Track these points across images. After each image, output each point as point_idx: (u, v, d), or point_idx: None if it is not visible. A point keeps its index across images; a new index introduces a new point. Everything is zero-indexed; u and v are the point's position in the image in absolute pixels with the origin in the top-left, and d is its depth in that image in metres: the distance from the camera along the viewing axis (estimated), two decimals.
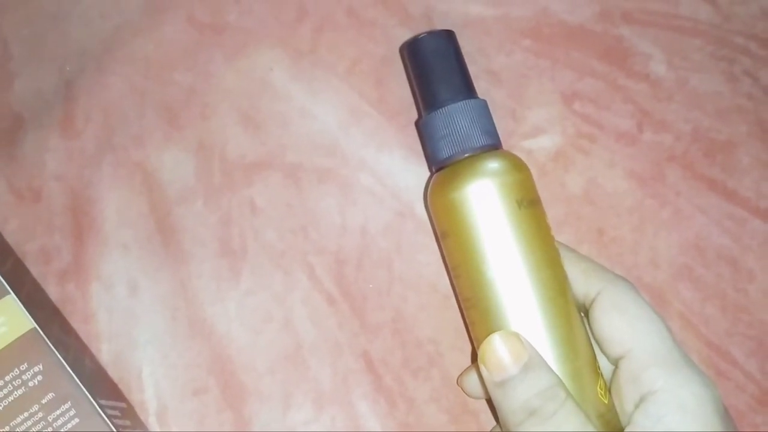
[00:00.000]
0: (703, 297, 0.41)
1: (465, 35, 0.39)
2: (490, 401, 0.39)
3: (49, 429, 0.32)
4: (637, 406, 0.33)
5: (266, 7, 0.44)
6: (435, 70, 0.38)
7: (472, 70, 0.39)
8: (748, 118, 0.43)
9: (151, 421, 0.39)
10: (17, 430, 0.32)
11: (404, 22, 0.43)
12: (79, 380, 0.33)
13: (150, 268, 0.41)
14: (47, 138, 0.42)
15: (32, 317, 0.33)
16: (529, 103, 0.43)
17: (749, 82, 0.43)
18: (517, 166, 0.36)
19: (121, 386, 0.39)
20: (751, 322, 0.40)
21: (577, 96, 0.43)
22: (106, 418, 0.33)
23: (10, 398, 0.32)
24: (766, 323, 0.40)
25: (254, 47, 0.43)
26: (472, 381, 0.38)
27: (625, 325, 0.34)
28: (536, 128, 0.42)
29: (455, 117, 0.36)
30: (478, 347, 0.34)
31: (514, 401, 0.32)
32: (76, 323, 0.40)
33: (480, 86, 0.39)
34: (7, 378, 0.33)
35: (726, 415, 0.32)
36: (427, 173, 0.42)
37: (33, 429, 0.32)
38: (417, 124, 0.42)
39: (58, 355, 0.33)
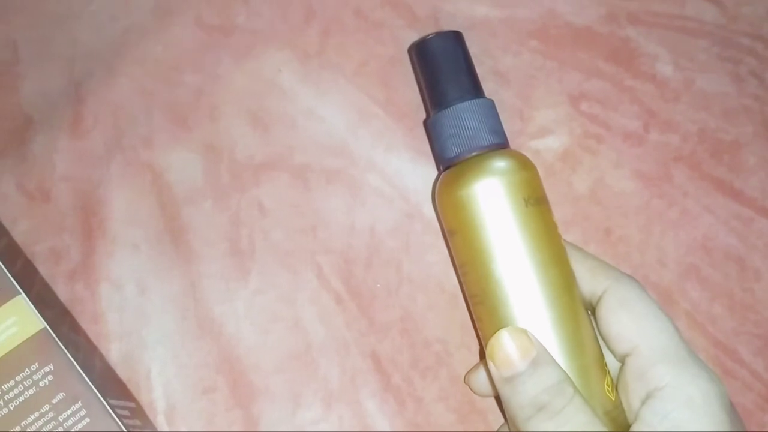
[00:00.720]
0: (710, 296, 0.41)
1: (471, 36, 0.39)
2: (498, 399, 0.39)
3: (60, 429, 0.32)
4: (643, 403, 0.33)
5: (274, 9, 0.44)
6: (443, 70, 0.38)
7: (480, 71, 0.39)
8: (754, 119, 0.43)
9: (160, 421, 0.39)
10: (28, 430, 0.32)
11: (411, 23, 0.44)
12: (90, 380, 0.33)
13: (159, 268, 0.41)
14: (56, 139, 0.42)
15: (42, 317, 0.33)
16: (536, 104, 0.43)
17: (755, 83, 0.43)
18: (524, 164, 0.36)
19: (130, 386, 0.39)
20: (758, 321, 0.40)
21: (584, 97, 0.43)
22: (116, 418, 0.33)
23: (21, 398, 0.32)
24: None
25: (262, 49, 0.43)
26: (479, 378, 0.38)
27: (632, 322, 0.34)
28: (543, 129, 0.43)
29: (463, 116, 0.36)
30: (486, 344, 0.34)
31: (522, 397, 0.32)
32: (85, 323, 0.40)
33: (487, 87, 0.39)
34: (18, 378, 0.33)
35: (733, 411, 0.33)
36: (435, 174, 0.42)
37: (44, 429, 0.32)
38: (425, 123, 0.42)
39: (69, 355, 0.33)
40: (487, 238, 0.34)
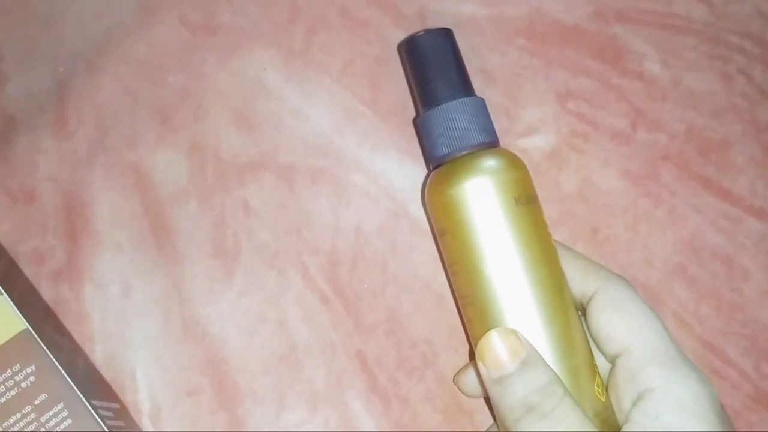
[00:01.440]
0: (697, 296, 0.41)
1: (459, 35, 0.39)
2: (486, 400, 0.39)
3: (42, 430, 0.32)
4: (634, 404, 0.33)
5: (259, 8, 0.44)
6: (433, 68, 0.38)
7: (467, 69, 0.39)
8: (742, 117, 0.43)
9: (145, 422, 0.39)
10: (10, 431, 0.32)
11: (398, 22, 0.43)
12: (72, 381, 0.33)
13: (143, 268, 0.41)
14: (40, 139, 0.42)
15: (25, 318, 0.33)
16: (523, 103, 0.43)
17: (744, 81, 0.43)
18: (515, 163, 0.36)
19: (114, 387, 0.39)
20: (745, 320, 0.40)
21: (571, 95, 0.43)
22: (99, 419, 0.33)
23: (3, 399, 0.32)
24: (761, 322, 0.40)
25: (247, 48, 0.43)
26: (468, 379, 0.38)
27: (623, 323, 0.34)
28: (530, 127, 0.42)
29: (453, 114, 0.36)
30: (476, 344, 0.34)
31: (511, 398, 0.32)
32: (69, 324, 0.40)
33: (474, 86, 0.38)
34: (0, 379, 0.32)
35: (723, 413, 0.32)
36: (422, 173, 0.42)
37: (26, 430, 0.32)
38: (414, 121, 0.42)
39: (51, 356, 0.33)
40: (477, 237, 0.34)
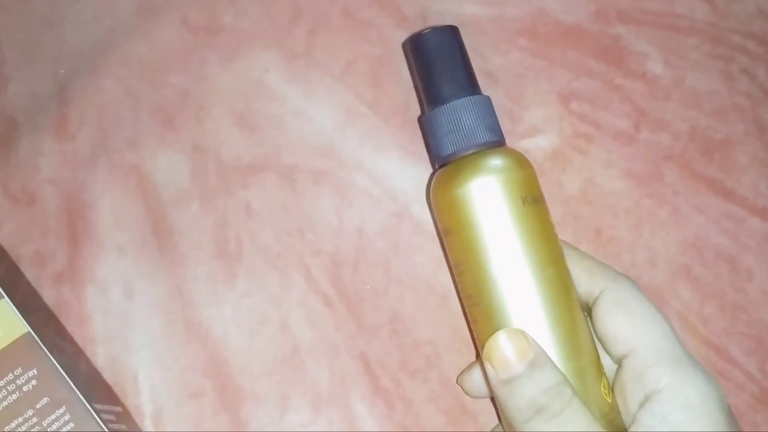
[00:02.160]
0: (701, 296, 0.41)
1: None
2: (491, 401, 0.39)
3: None
4: (641, 405, 0.33)
5: (260, 9, 0.43)
6: (439, 66, 0.37)
7: None
8: (745, 117, 0.43)
9: (147, 425, 0.39)
10: None
11: (399, 22, 0.43)
12: (74, 384, 0.33)
13: (145, 271, 0.41)
14: (41, 141, 0.42)
15: (26, 321, 0.33)
16: (525, 103, 0.43)
17: (746, 81, 0.43)
18: (521, 163, 0.36)
19: (116, 390, 0.39)
20: (749, 321, 0.40)
21: (573, 96, 0.43)
22: (101, 423, 0.33)
23: (5, 403, 0.32)
24: (765, 322, 0.40)
25: (249, 49, 0.43)
26: (473, 379, 0.38)
27: (629, 324, 0.34)
28: (533, 128, 0.42)
29: (459, 113, 0.36)
30: (481, 345, 0.34)
31: (520, 399, 0.32)
32: (71, 327, 0.40)
33: None
34: (1, 383, 0.32)
35: (730, 413, 0.32)
36: (425, 174, 0.42)
37: None
38: (420, 120, 0.42)
39: (53, 360, 0.33)
40: (483, 237, 0.34)
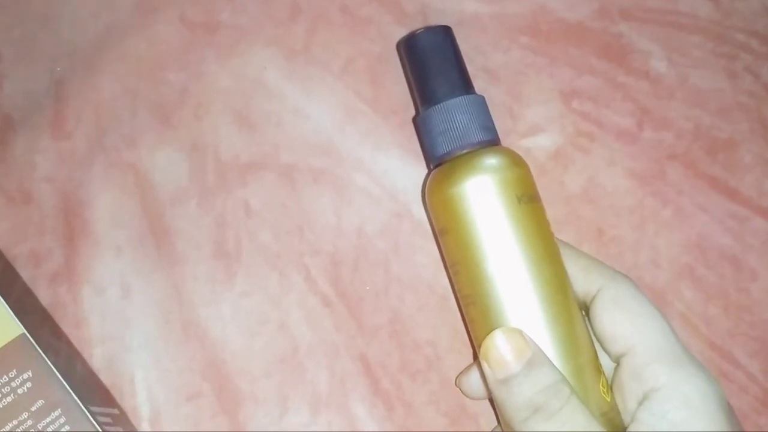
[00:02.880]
0: (705, 297, 0.40)
1: (461, 33, 0.39)
2: (491, 401, 0.38)
3: None
4: (640, 404, 0.32)
5: (259, 6, 0.43)
6: (432, 66, 0.37)
7: (469, 68, 0.38)
8: (749, 116, 0.42)
9: (144, 427, 0.39)
10: None
11: (399, 19, 0.43)
12: (70, 387, 0.33)
13: (143, 270, 0.40)
14: (38, 139, 0.42)
15: (21, 322, 0.33)
16: (527, 102, 0.42)
17: (750, 79, 0.43)
18: (516, 161, 0.35)
19: (113, 392, 0.39)
20: (753, 322, 0.40)
21: (576, 94, 0.42)
22: (97, 426, 0.32)
23: None
24: None
25: (247, 46, 0.43)
26: (471, 380, 0.37)
27: (627, 322, 0.34)
28: (535, 127, 0.42)
29: (453, 113, 0.36)
30: (478, 345, 0.33)
31: (518, 398, 0.31)
32: (67, 327, 0.39)
33: (477, 84, 0.38)
34: None
35: (730, 410, 0.32)
36: (424, 173, 0.41)
37: None
38: (414, 120, 0.41)
39: (48, 362, 0.33)
40: (479, 236, 0.34)
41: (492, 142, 0.36)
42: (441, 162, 0.36)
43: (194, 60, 0.43)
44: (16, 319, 0.33)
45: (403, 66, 0.42)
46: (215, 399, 0.39)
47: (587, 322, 0.35)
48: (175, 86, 0.42)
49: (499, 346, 0.32)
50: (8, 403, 0.32)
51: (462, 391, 0.38)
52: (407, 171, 0.41)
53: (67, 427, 0.32)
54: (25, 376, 0.32)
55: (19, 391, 0.32)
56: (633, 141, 0.42)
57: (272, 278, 0.40)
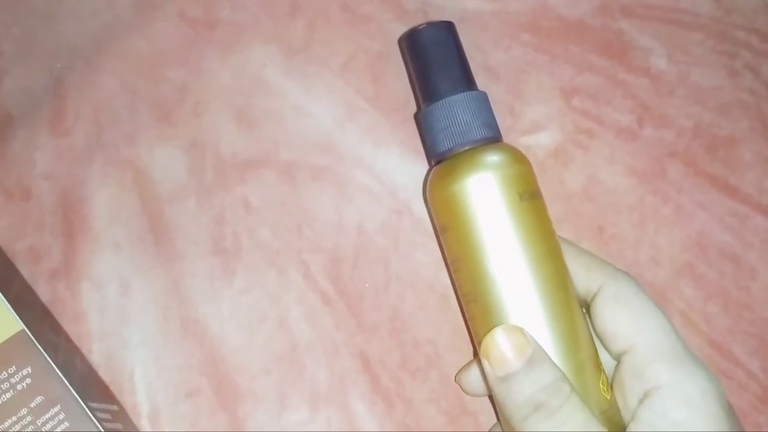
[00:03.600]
0: (705, 295, 0.40)
1: (462, 30, 0.39)
2: (491, 399, 0.38)
3: None
4: (641, 402, 0.32)
5: (259, 3, 0.43)
6: (434, 62, 0.37)
7: (470, 66, 0.38)
8: (749, 114, 0.42)
9: (144, 424, 0.39)
10: None
11: (400, 17, 0.43)
12: (69, 383, 0.33)
13: (142, 267, 0.40)
14: (37, 136, 0.41)
15: (21, 319, 0.33)
16: (527, 99, 0.42)
17: (751, 77, 0.43)
18: (518, 158, 0.35)
19: (112, 388, 0.39)
20: (753, 320, 0.40)
21: (576, 91, 0.42)
22: (96, 422, 0.32)
23: None
24: None
25: (247, 43, 0.43)
26: (470, 378, 0.37)
27: (628, 320, 0.34)
28: (535, 124, 0.42)
29: (455, 109, 0.36)
30: (479, 342, 0.33)
31: (518, 396, 0.31)
32: (66, 324, 0.39)
33: (478, 82, 0.38)
34: None
35: (731, 410, 0.32)
36: (425, 170, 0.41)
37: None
38: (416, 116, 0.41)
39: (47, 358, 0.33)
40: (480, 233, 0.34)
41: (494, 138, 0.36)
42: (442, 158, 0.36)
43: (194, 57, 0.42)
44: (16, 316, 0.33)
45: (405, 62, 0.42)
46: (214, 396, 0.39)
47: (588, 319, 0.35)
48: (175, 83, 0.42)
49: (500, 343, 0.32)
50: (7, 399, 0.32)
51: (462, 388, 0.38)
52: (407, 168, 0.41)
53: (66, 424, 0.32)
54: (25, 372, 0.32)
55: (19, 387, 0.32)
56: (633, 138, 0.42)
57: (271, 275, 0.40)
